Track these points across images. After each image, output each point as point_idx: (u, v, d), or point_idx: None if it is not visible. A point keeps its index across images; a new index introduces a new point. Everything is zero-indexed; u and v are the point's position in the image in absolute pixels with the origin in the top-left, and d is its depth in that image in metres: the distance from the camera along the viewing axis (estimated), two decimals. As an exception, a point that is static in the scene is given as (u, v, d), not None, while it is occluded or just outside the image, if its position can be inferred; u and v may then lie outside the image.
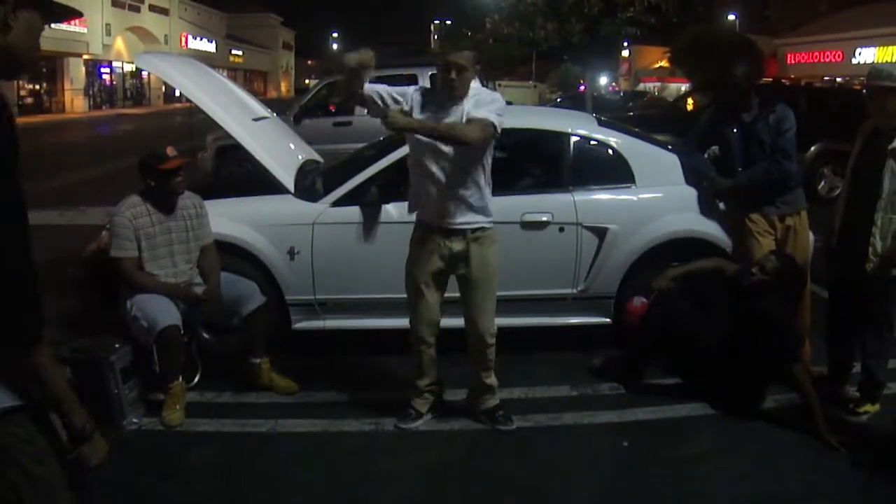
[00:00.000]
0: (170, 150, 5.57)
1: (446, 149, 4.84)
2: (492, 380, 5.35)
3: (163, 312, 5.38)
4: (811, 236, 6.22)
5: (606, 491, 4.69)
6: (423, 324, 5.21)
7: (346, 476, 4.78)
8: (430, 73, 14.27)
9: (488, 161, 5.03)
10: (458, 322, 5.26)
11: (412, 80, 14.13)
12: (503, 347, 5.33)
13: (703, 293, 5.79)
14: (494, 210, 5.16)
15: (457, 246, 5.03)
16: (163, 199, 5.62)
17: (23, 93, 44.43)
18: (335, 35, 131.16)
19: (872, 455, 4.94)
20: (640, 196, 6.40)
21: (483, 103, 4.88)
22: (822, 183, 14.36)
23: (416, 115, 4.93)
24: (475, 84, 5.07)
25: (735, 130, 6.01)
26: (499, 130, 4.85)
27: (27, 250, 2.39)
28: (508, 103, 5.08)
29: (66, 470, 2.55)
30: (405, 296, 5.38)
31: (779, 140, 5.83)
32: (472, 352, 5.27)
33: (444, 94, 4.94)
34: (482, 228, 5.06)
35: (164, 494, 4.60)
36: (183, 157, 5.66)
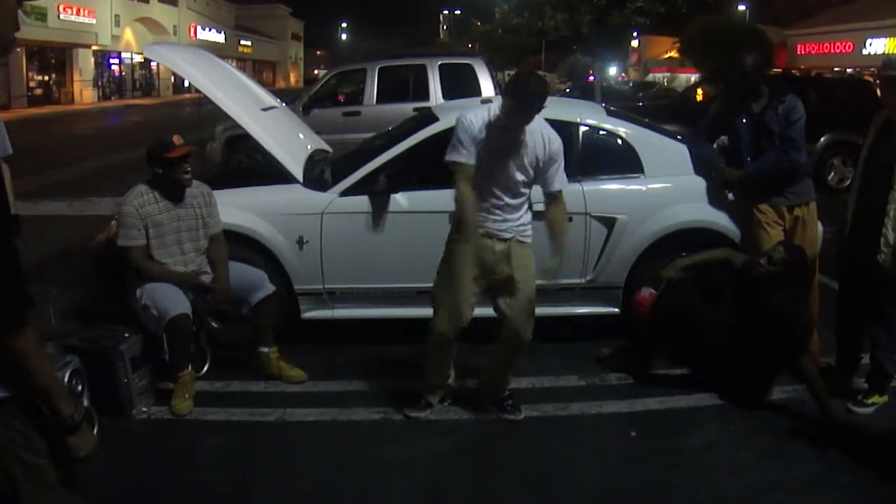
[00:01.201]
0: (176, 139, 5.56)
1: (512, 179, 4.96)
2: (510, 377, 5.40)
3: (172, 301, 5.39)
4: (820, 227, 6.20)
5: (614, 480, 4.69)
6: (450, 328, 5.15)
7: (354, 465, 4.80)
8: (438, 62, 14.28)
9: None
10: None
11: (421, 71, 14.15)
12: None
13: (711, 284, 5.78)
14: None
15: (500, 246, 5.04)
16: (171, 187, 5.61)
17: (32, 84, 44.55)
18: (344, 25, 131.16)
19: (880, 447, 4.93)
20: (649, 186, 6.40)
21: (557, 161, 5.00)
22: (832, 174, 14.32)
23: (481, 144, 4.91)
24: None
25: (744, 121, 5.99)
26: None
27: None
28: None
29: (56, 461, 2.54)
30: (414, 285, 5.38)
31: (788, 130, 5.81)
32: (504, 353, 5.27)
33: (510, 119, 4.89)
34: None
35: (172, 483, 4.62)
36: (190, 146, 5.66)
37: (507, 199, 4.98)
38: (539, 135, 4.92)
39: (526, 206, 5.10)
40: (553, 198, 5.08)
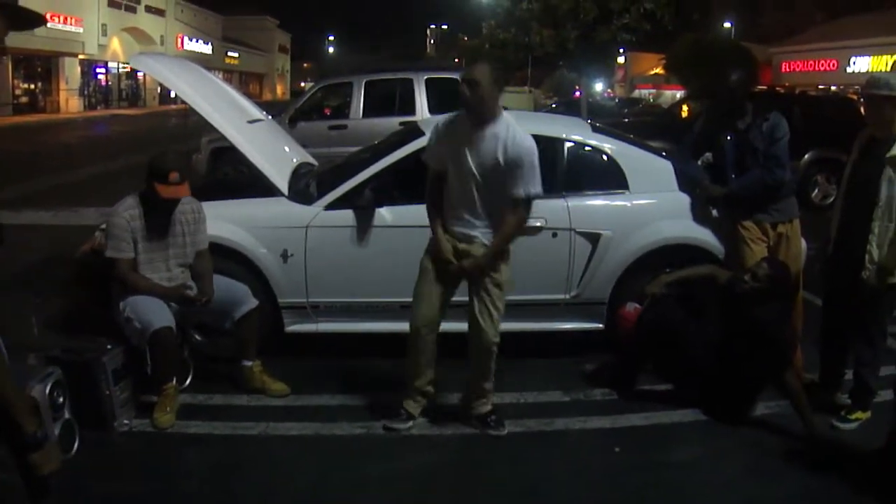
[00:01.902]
0: (173, 176, 5.42)
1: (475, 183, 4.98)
2: (488, 385, 5.36)
3: (156, 314, 5.36)
4: (804, 244, 6.23)
5: (597, 496, 4.68)
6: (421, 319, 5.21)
7: (337, 479, 4.78)
8: (425, 77, 14.30)
9: None
10: (451, 326, 5.28)
11: (407, 85, 14.17)
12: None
13: (695, 300, 5.80)
14: None
15: (463, 247, 5.11)
16: (160, 207, 5.57)
17: (17, 92, 44.43)
18: (331, 38, 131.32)
19: (863, 463, 4.94)
20: (634, 202, 6.41)
21: (521, 165, 4.88)
22: (816, 191, 14.40)
23: (443, 143, 5.06)
24: (507, 114, 5.04)
25: (728, 138, 6.02)
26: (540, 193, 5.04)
27: None
28: (504, 108, 5.08)
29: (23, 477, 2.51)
30: (398, 299, 5.39)
31: (772, 148, 5.84)
32: (473, 357, 5.28)
33: (469, 117, 4.97)
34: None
35: (153, 496, 4.59)
36: (183, 188, 5.51)
37: (473, 202, 5.03)
38: (504, 138, 4.88)
39: (490, 216, 5.09)
40: (513, 204, 4.98)
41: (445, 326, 5.29)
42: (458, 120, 5.07)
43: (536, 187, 4.94)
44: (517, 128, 4.95)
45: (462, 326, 5.24)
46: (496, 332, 5.17)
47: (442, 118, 5.18)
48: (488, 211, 5.05)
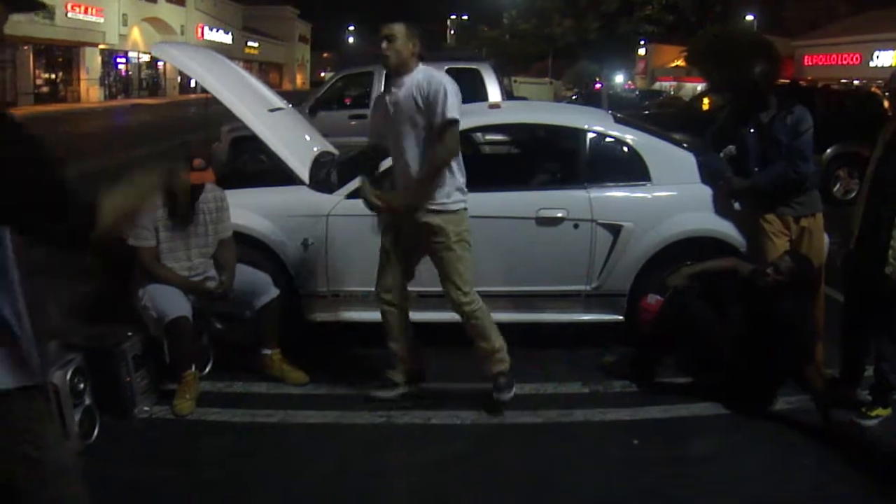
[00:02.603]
0: (197, 163, 5.51)
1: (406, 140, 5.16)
2: (487, 345, 5.37)
3: (172, 304, 5.39)
4: (826, 238, 6.18)
5: (615, 488, 4.67)
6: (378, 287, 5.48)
7: (356, 468, 4.79)
8: (445, 67, 14.23)
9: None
10: (448, 316, 5.33)
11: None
12: (515, 342, 5.34)
13: (717, 292, 5.77)
14: (510, 205, 5.43)
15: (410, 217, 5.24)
16: (182, 195, 5.59)
17: (38, 82, 44.61)
18: (351, 28, 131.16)
19: (882, 459, 4.92)
20: (656, 194, 6.37)
21: (438, 95, 5.00)
22: (838, 185, 14.29)
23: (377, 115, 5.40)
24: (422, 66, 5.20)
25: (752, 130, 5.98)
26: (458, 119, 5.04)
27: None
28: (523, 99, 5.11)
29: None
30: (417, 288, 5.41)
31: (796, 141, 5.80)
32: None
33: (388, 73, 5.29)
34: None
35: (172, 483, 4.60)
36: (208, 174, 5.60)
37: (408, 166, 5.18)
38: (418, 80, 5.09)
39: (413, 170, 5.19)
40: (439, 132, 5.04)
41: (449, 317, 5.39)
42: (384, 89, 5.40)
43: (455, 113, 5.00)
44: (432, 70, 5.17)
45: (451, 317, 5.41)
46: (463, 296, 5.23)
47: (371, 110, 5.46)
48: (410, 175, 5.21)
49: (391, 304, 5.46)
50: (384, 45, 5.10)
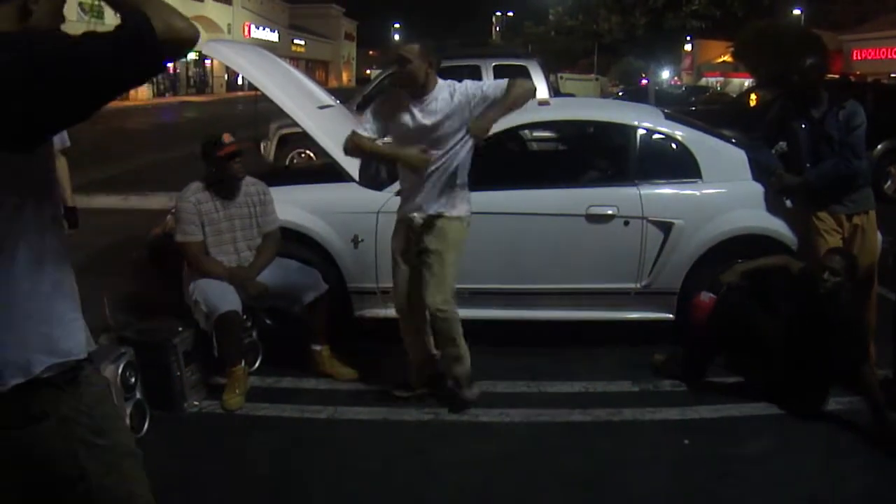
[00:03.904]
0: (226, 137, 5.64)
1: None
2: (456, 348, 5.33)
3: (222, 298, 5.43)
4: (879, 236, 6.08)
5: (665, 488, 4.64)
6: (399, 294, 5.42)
7: (404, 464, 4.79)
8: (493, 64, 14.23)
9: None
10: (496, 313, 5.30)
11: (475, 72, 14.09)
12: (564, 340, 5.32)
13: (769, 290, 5.70)
14: (560, 202, 5.39)
15: (420, 220, 5.23)
16: (224, 184, 5.67)
17: (88, 80, 45.19)
18: (397, 26, 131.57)
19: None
20: (706, 191, 6.30)
21: (473, 91, 5.02)
22: (889, 182, 14.08)
23: (378, 126, 5.20)
24: (441, 81, 5.14)
25: (803, 126, 5.89)
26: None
27: None
28: (570, 96, 5.10)
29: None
30: (467, 286, 5.41)
31: (848, 137, 5.71)
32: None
33: (407, 94, 5.11)
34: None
35: (221, 477, 4.64)
36: (239, 143, 5.71)
37: (426, 180, 5.13)
38: (448, 92, 5.05)
39: (457, 179, 5.17)
40: (508, 84, 5.03)
41: (493, 314, 5.32)
42: (394, 97, 5.23)
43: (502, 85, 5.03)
44: (451, 82, 5.13)
45: (499, 314, 5.35)
46: (443, 303, 5.15)
47: (367, 112, 5.28)
48: (446, 184, 5.15)
49: (407, 319, 5.45)
50: (397, 68, 5.03)
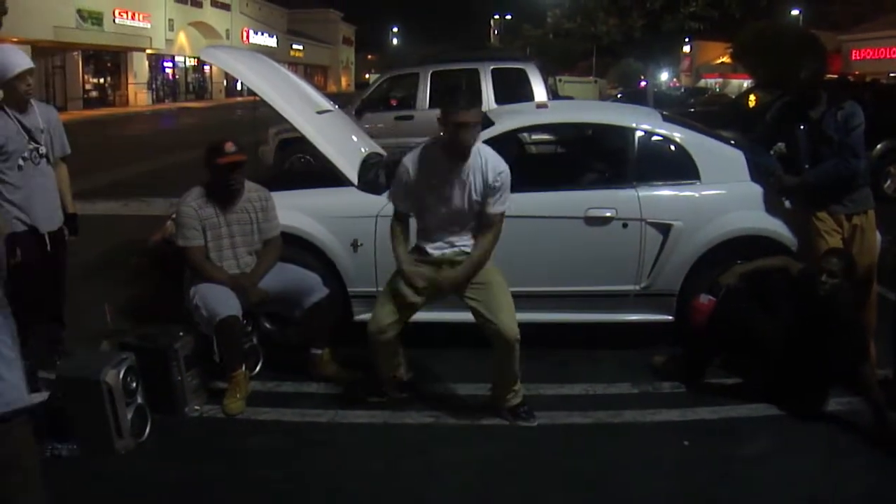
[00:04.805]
0: (228, 146, 5.62)
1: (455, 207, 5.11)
2: (516, 381, 5.30)
3: (222, 303, 5.43)
4: (878, 236, 6.08)
5: (666, 489, 4.64)
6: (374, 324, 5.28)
7: (405, 467, 4.80)
8: (491, 67, 14.25)
9: None
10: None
11: (473, 75, 14.12)
12: (564, 342, 5.31)
13: (769, 291, 5.71)
14: (559, 205, 5.60)
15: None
16: (224, 191, 5.67)
17: (87, 86, 45.34)
18: (395, 30, 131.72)
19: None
20: (705, 192, 6.31)
21: (501, 186, 5.06)
22: (888, 182, 14.09)
23: (414, 179, 5.12)
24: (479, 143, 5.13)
25: (802, 127, 5.90)
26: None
27: None
28: (569, 99, 5.11)
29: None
30: (523, 289, 5.49)
31: (847, 137, 5.71)
32: (496, 352, 5.20)
33: (449, 152, 5.03)
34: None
35: (222, 481, 4.65)
36: (241, 154, 5.67)
37: (451, 225, 5.21)
38: (481, 166, 5.03)
39: (471, 229, 5.24)
40: (489, 220, 5.14)
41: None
42: (428, 153, 5.14)
43: (506, 204, 5.13)
44: (486, 151, 5.10)
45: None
46: (517, 328, 5.10)
47: (409, 157, 5.17)
48: (465, 227, 5.23)
49: (382, 341, 5.26)
50: (467, 134, 4.88)
